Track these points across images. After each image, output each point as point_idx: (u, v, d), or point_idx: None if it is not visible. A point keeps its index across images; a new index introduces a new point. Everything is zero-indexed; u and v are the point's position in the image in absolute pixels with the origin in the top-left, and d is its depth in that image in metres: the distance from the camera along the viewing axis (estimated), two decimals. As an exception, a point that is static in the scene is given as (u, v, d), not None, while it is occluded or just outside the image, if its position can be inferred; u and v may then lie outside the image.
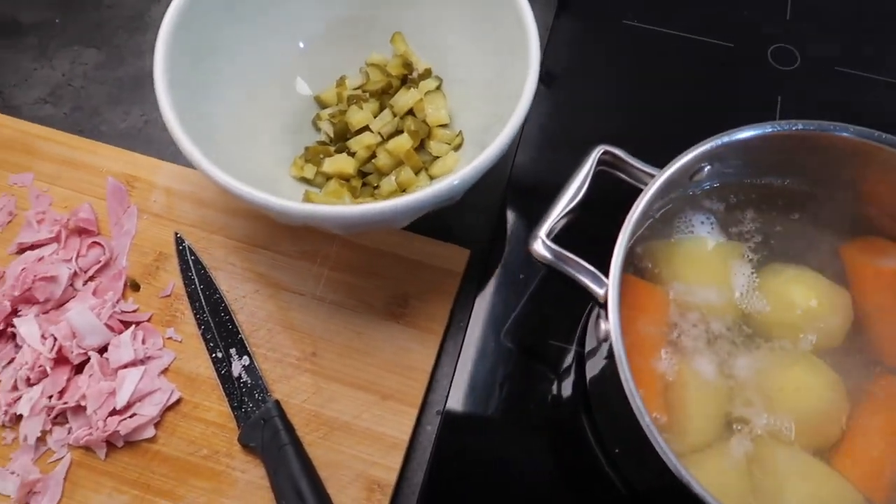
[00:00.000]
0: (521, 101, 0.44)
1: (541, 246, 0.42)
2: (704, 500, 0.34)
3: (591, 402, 0.48)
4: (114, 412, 0.46)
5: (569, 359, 0.52)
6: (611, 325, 0.38)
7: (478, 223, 0.55)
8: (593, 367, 0.48)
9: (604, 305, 0.40)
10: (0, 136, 0.56)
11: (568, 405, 0.50)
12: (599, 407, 0.47)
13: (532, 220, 0.57)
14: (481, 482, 0.48)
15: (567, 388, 0.51)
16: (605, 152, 0.44)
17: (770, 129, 0.42)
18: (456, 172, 0.43)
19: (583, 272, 0.41)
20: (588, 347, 0.49)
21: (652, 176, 0.43)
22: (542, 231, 0.42)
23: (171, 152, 0.58)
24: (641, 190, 0.44)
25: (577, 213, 0.44)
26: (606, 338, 0.40)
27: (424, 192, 0.42)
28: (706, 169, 0.44)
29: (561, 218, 0.43)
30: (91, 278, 0.51)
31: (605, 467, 0.48)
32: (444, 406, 0.49)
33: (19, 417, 0.46)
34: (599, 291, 0.40)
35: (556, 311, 0.54)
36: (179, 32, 0.46)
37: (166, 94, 0.44)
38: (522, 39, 0.47)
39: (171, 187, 0.55)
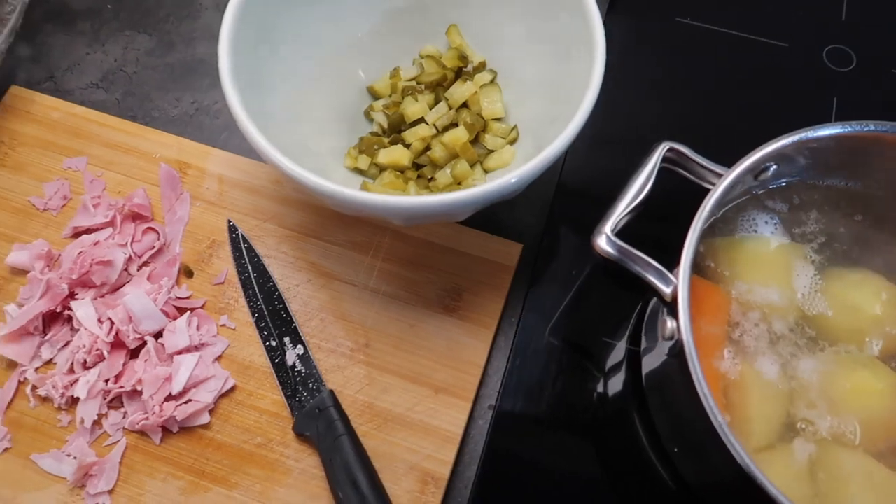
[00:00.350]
0: (584, 100, 0.44)
1: (605, 241, 0.42)
2: (777, 501, 0.34)
3: (647, 400, 0.48)
4: (169, 397, 0.46)
5: (618, 356, 0.52)
6: (681, 324, 0.37)
7: (529, 218, 0.55)
8: (650, 365, 0.47)
9: (670, 304, 0.40)
10: (54, 120, 0.56)
11: (618, 402, 0.50)
12: (657, 405, 0.47)
13: (583, 216, 0.56)
14: (534, 477, 0.47)
15: (616, 385, 0.51)
16: (670, 149, 0.44)
17: (842, 129, 0.41)
18: (516, 170, 0.42)
19: (648, 269, 0.41)
20: (644, 345, 0.49)
21: (717, 174, 0.43)
22: (607, 227, 0.42)
23: (221, 139, 0.58)
24: (702, 188, 0.44)
25: (639, 210, 0.44)
26: (672, 336, 0.39)
27: (489, 186, 0.41)
28: (772, 168, 0.44)
29: (625, 214, 0.43)
30: (145, 263, 0.51)
31: (657, 465, 0.48)
32: (497, 401, 0.49)
33: (75, 400, 0.47)
34: (665, 290, 0.40)
35: (605, 307, 0.54)
36: (242, 19, 0.46)
37: (231, 81, 0.43)
38: (586, 34, 0.46)
39: (223, 174, 0.55)
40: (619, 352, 0.52)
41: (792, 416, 0.42)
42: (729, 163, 0.43)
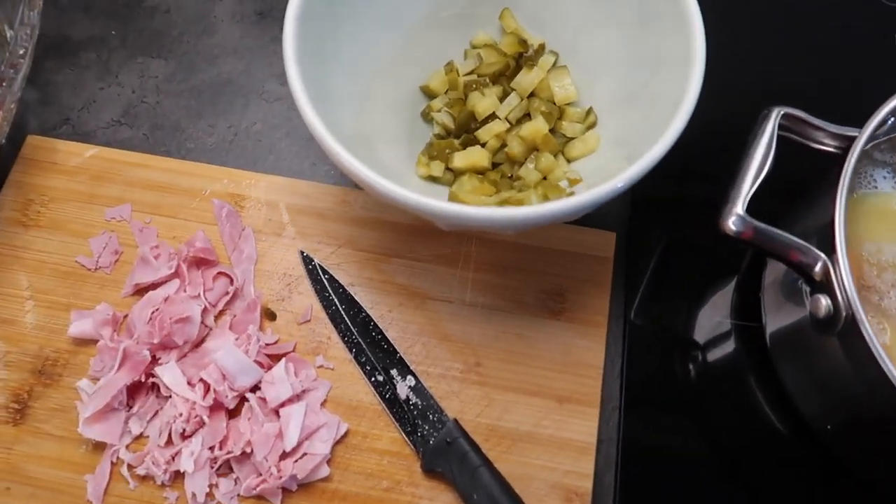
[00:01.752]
0: (691, 79, 0.40)
1: (738, 223, 0.39)
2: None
3: (779, 374, 0.46)
4: (283, 455, 0.42)
5: (719, 329, 0.50)
6: (853, 302, 0.35)
7: (613, 203, 0.52)
8: (783, 341, 0.45)
9: (819, 282, 0.38)
10: (82, 168, 0.51)
11: (733, 375, 0.49)
12: (795, 382, 0.45)
13: (669, 194, 0.54)
14: (674, 467, 0.46)
15: (724, 360, 0.50)
16: (785, 115, 0.41)
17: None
18: (624, 173, 0.39)
19: (792, 247, 0.38)
20: (769, 319, 0.47)
21: (841, 136, 0.41)
22: (738, 206, 0.39)
23: (269, 163, 0.53)
24: (819, 152, 0.42)
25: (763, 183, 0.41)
26: (828, 314, 0.37)
27: (602, 189, 0.38)
28: (890, 121, 0.41)
29: (752, 191, 0.40)
30: (222, 312, 0.47)
31: (783, 431, 0.46)
32: (621, 400, 0.47)
33: (179, 474, 0.43)
34: (815, 267, 0.38)
35: (701, 284, 0.52)
36: (303, 27, 0.41)
37: (308, 105, 0.39)
38: None
39: (282, 202, 0.50)
40: (719, 326, 0.51)
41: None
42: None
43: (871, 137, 0.43)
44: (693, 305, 0.51)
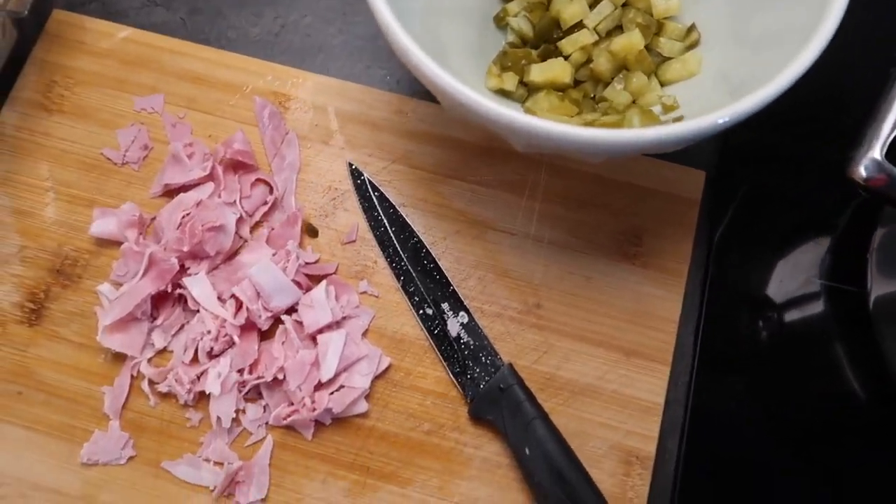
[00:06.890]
0: (826, 20, 0.33)
1: (872, 168, 0.33)
2: None
3: (886, 346, 0.41)
4: (319, 386, 0.38)
5: (807, 288, 0.45)
6: None
7: (701, 144, 0.46)
8: (893, 309, 0.40)
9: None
10: (112, 51, 0.45)
11: (820, 342, 0.44)
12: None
13: (759, 132, 0.48)
14: (743, 435, 0.41)
15: (813, 324, 0.44)
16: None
17: None
18: (734, 104, 0.32)
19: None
20: (877, 284, 0.41)
21: None
22: (876, 151, 0.33)
23: (318, 63, 0.47)
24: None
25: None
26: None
27: (712, 117, 0.32)
28: None
29: (893, 135, 0.34)
30: (258, 224, 0.42)
31: (872, 405, 0.42)
32: (695, 359, 0.42)
33: (202, 394, 0.39)
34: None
35: (790, 241, 0.46)
36: None
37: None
38: None
39: (331, 106, 0.45)
40: (807, 286, 0.45)
41: None
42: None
43: None
44: (781, 263, 0.46)
